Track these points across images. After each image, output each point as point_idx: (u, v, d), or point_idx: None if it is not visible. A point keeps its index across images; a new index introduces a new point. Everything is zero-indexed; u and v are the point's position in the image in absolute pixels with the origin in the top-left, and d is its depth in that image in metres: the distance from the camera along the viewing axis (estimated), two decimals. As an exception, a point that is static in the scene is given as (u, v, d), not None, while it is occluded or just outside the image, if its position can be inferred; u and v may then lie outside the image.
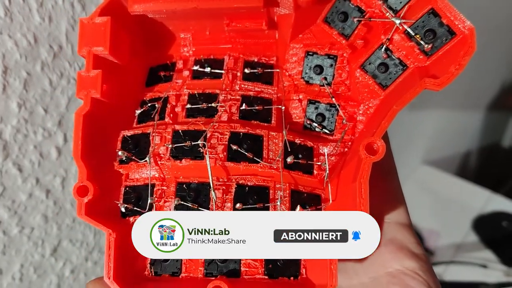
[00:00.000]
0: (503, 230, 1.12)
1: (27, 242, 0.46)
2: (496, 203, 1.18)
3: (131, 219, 0.28)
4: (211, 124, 0.28)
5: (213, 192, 0.26)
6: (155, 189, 0.28)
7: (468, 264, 1.00)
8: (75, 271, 0.52)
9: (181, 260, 0.27)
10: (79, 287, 0.53)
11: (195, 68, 0.31)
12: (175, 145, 0.28)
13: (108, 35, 0.27)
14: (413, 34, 0.26)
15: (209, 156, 0.27)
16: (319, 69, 0.30)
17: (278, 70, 0.31)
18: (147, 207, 0.27)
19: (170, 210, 0.27)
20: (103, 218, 0.26)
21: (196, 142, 0.27)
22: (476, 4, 1.09)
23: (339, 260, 0.25)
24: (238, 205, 0.26)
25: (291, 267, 0.26)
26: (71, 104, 0.44)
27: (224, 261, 0.26)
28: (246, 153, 0.27)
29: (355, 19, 0.28)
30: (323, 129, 0.30)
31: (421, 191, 1.22)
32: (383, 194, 0.30)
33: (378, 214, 0.29)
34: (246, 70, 0.31)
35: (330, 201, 0.28)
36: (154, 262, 0.27)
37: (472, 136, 1.59)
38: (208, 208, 0.26)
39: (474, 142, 1.62)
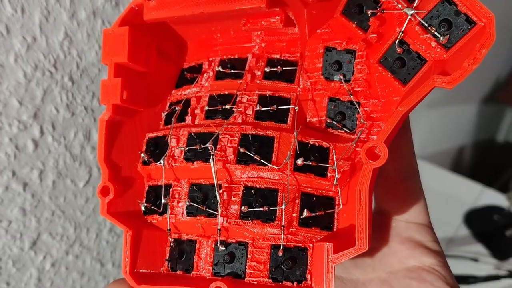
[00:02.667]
0: (495, 224, 1.12)
1: (5, 235, 0.45)
2: (488, 197, 1.18)
3: (149, 218, 0.30)
4: (222, 126, 0.28)
5: (217, 195, 0.27)
6: (171, 189, 0.29)
7: (459, 257, 1.00)
8: (56, 265, 0.52)
9: (193, 258, 0.28)
10: (61, 280, 0.53)
11: (218, 69, 0.32)
12: (187, 148, 0.29)
13: (126, 44, 0.29)
14: (427, 25, 0.24)
15: (218, 159, 0.27)
16: (337, 65, 0.29)
17: (296, 68, 0.30)
18: (162, 207, 0.29)
19: (182, 210, 0.28)
20: (124, 216, 0.29)
21: (205, 146, 0.28)
22: None
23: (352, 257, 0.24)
24: (243, 208, 0.27)
25: (296, 271, 0.26)
26: (47, 96, 0.43)
27: (230, 261, 0.27)
28: (254, 156, 0.27)
29: (369, 12, 0.27)
30: (344, 128, 0.29)
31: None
32: (404, 195, 0.30)
33: (398, 215, 0.30)
34: (267, 69, 0.30)
35: (341, 206, 0.27)
36: (171, 258, 0.29)
37: (466, 131, 1.59)
38: (215, 210, 0.27)
39: (468, 137, 1.63)
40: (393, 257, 0.30)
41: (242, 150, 0.27)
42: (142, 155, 0.30)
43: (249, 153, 0.27)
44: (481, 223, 1.13)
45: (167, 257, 0.29)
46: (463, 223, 1.13)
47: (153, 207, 0.30)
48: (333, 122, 0.29)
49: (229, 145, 0.28)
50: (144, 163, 0.30)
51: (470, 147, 1.67)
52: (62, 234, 0.51)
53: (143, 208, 0.30)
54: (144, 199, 0.30)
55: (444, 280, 0.28)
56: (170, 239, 0.29)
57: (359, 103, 0.28)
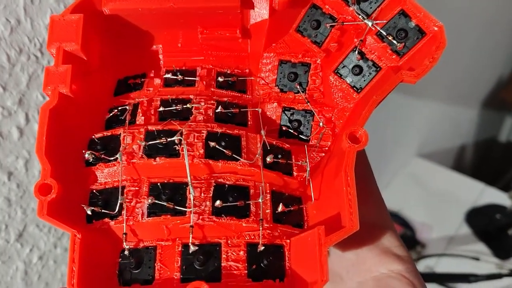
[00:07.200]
0: (497, 223, 1.11)
1: (-11, 226, 0.44)
2: (490, 195, 1.17)
3: (97, 224, 0.26)
4: (187, 123, 0.27)
5: (191, 188, 0.25)
6: (125, 190, 0.26)
7: (460, 256, 0.98)
8: (44, 258, 0.50)
9: (154, 266, 0.25)
10: (49, 274, 0.51)
11: (167, 76, 0.31)
12: (149, 142, 0.27)
13: (80, 31, 0.27)
14: (385, 34, 0.27)
15: (186, 154, 0.26)
16: (294, 76, 0.31)
17: (252, 78, 0.32)
18: (117, 208, 0.26)
19: (142, 211, 0.26)
20: (67, 220, 0.25)
21: (172, 138, 0.26)
22: (475, 1, 1.07)
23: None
24: (218, 202, 0.25)
25: (274, 268, 0.25)
26: (32, 82, 0.42)
27: (203, 264, 0.25)
28: (225, 151, 0.26)
29: (328, 25, 0.29)
30: (299, 135, 0.30)
31: (414, 183, 1.20)
32: (362, 198, 0.30)
33: (360, 219, 0.29)
34: (220, 79, 0.31)
35: (313, 200, 0.27)
36: (123, 270, 0.25)
37: (468, 130, 1.58)
38: (185, 207, 0.25)
39: (470, 136, 1.61)
40: (362, 266, 0.29)
41: (212, 144, 0.27)
42: (87, 154, 0.27)
43: (219, 148, 0.27)
44: (483, 222, 1.11)
45: (117, 270, 0.25)
46: (464, 221, 1.12)
47: (103, 211, 0.26)
48: (289, 130, 0.30)
49: (196, 140, 0.27)
50: (88, 164, 0.27)
51: (472, 146, 1.65)
52: (50, 226, 0.49)
53: (89, 212, 0.26)
54: (88, 206, 0.26)
55: (413, 286, 0.28)
56: (126, 246, 0.25)
57: (314, 111, 0.30)
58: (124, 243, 0.25)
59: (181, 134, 0.27)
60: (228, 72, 0.32)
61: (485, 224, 1.11)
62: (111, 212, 0.26)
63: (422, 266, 1.00)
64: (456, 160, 1.57)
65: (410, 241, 1.06)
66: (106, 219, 0.26)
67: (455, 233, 1.10)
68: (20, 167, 0.44)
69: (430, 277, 0.89)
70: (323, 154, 0.29)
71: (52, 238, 0.50)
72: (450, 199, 1.16)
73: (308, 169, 0.28)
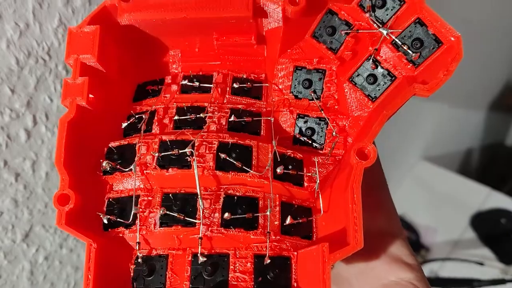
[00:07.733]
0: (502, 227, 1.10)
1: (-4, 227, 0.45)
2: (495, 200, 1.16)
3: (113, 232, 0.27)
4: (199, 133, 0.28)
5: (200, 201, 0.26)
6: (139, 199, 0.27)
7: (465, 261, 0.98)
8: (49, 258, 0.51)
9: (165, 274, 0.26)
10: (54, 274, 0.52)
11: (184, 82, 0.31)
12: (162, 153, 0.27)
13: (96, 43, 0.28)
14: (400, 43, 0.26)
15: (197, 166, 0.26)
16: (308, 83, 0.30)
17: (267, 85, 0.31)
18: (131, 218, 0.27)
19: (155, 221, 0.26)
20: (83, 229, 0.26)
21: (184, 150, 0.27)
22: (482, 5, 1.07)
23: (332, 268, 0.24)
24: (226, 214, 0.26)
25: (281, 280, 0.25)
26: (40, 84, 0.42)
27: (211, 274, 0.25)
28: (235, 162, 0.27)
29: (343, 32, 0.29)
30: (313, 143, 0.30)
31: (419, 187, 1.20)
32: (375, 207, 0.30)
33: (371, 227, 0.30)
34: (235, 85, 0.31)
35: (322, 213, 0.27)
36: (136, 277, 0.26)
37: (474, 134, 1.57)
38: (195, 218, 0.26)
39: (476, 140, 1.60)
40: (371, 273, 0.29)
41: (223, 156, 0.27)
42: (105, 163, 0.28)
43: (230, 160, 0.27)
44: (488, 226, 1.11)
45: (132, 276, 0.26)
46: (469, 226, 1.11)
47: (118, 219, 0.27)
48: (302, 138, 0.30)
49: (207, 152, 0.27)
50: (105, 173, 0.28)
51: (478, 150, 1.65)
52: (55, 227, 0.50)
53: (105, 221, 0.27)
54: (105, 214, 0.27)
55: None
56: (139, 254, 0.26)
57: (328, 119, 0.30)
58: (137, 252, 0.26)
59: (193, 146, 0.27)
60: (244, 77, 0.32)
61: (490, 228, 1.10)
62: (125, 221, 0.27)
63: (426, 270, 0.99)
64: (461, 164, 1.56)
65: (415, 245, 1.06)
66: (121, 228, 0.27)
67: (460, 237, 1.10)
68: (27, 169, 0.45)
69: (433, 281, 0.89)
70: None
71: (58, 239, 0.51)
72: (455, 203, 1.16)
73: (318, 181, 0.28)
